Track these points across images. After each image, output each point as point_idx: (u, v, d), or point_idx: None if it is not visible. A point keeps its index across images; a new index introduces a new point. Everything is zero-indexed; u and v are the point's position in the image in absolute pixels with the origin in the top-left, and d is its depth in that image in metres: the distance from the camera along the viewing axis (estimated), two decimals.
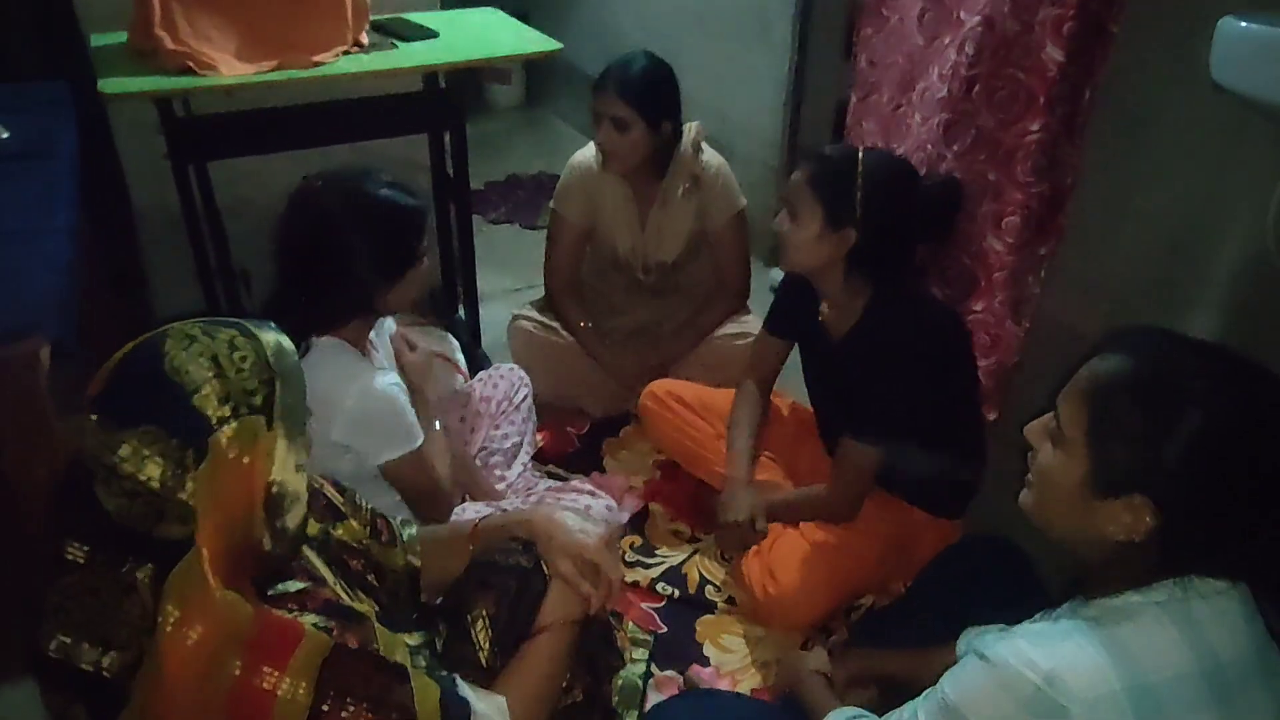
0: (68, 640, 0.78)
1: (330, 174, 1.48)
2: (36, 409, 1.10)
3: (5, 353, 1.12)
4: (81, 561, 0.78)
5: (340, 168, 1.51)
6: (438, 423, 1.69)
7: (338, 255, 1.44)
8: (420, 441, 1.53)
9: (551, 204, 2.25)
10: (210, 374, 0.81)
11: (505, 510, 1.74)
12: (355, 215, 1.43)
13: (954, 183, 1.65)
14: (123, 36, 1.94)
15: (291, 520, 0.86)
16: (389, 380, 1.51)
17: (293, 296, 1.46)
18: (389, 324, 1.76)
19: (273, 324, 0.91)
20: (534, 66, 4.28)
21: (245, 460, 0.82)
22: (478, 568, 1.19)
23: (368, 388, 1.46)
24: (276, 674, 0.83)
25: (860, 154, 1.59)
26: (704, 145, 2.15)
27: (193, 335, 0.83)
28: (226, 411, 0.81)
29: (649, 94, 2.01)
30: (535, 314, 2.30)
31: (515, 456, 1.97)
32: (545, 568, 1.17)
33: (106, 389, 0.82)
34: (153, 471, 0.78)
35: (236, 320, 0.89)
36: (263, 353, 0.85)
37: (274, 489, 0.84)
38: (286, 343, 0.90)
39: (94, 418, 0.80)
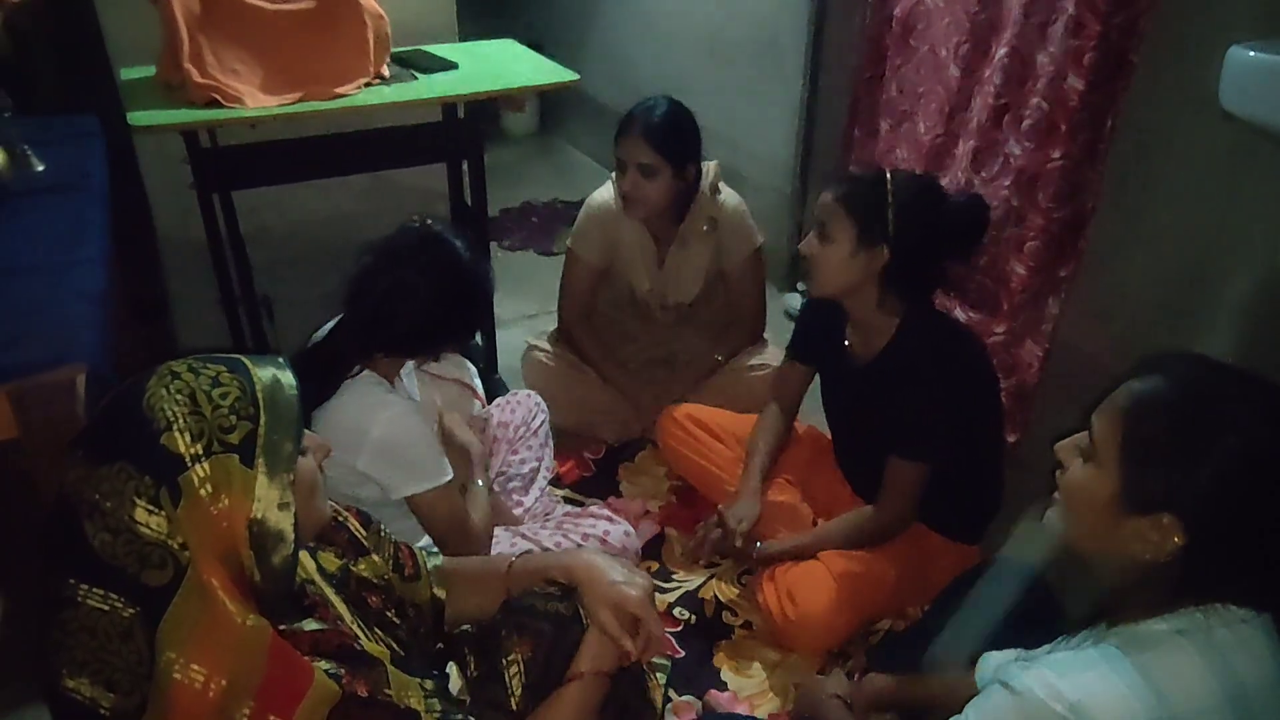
0: (74, 680, 0.78)
1: (436, 233, 1.49)
2: (72, 435, 1.12)
3: (42, 380, 1.13)
4: (78, 599, 0.78)
5: (443, 225, 1.52)
6: (480, 480, 1.72)
7: (418, 314, 1.45)
8: (448, 478, 1.52)
9: (568, 242, 2.27)
10: (184, 411, 0.80)
11: (525, 536, 1.76)
12: (450, 285, 1.45)
13: (979, 199, 1.67)
14: (150, 70, 1.99)
15: (278, 558, 0.85)
16: (418, 415, 1.53)
17: (354, 329, 1.48)
18: None
19: (281, 359, 0.90)
20: (548, 95, 4.32)
21: (223, 499, 0.81)
22: (515, 611, 1.17)
23: (395, 418, 1.47)
24: None
25: (889, 173, 1.60)
26: (721, 185, 2.16)
27: (178, 372, 0.83)
28: (199, 449, 0.80)
29: (676, 139, 2.01)
30: (548, 345, 2.32)
31: (533, 481, 1.98)
32: (583, 615, 1.15)
33: (91, 424, 0.82)
34: (131, 509, 0.77)
35: (236, 355, 0.88)
36: (249, 389, 0.84)
37: (255, 528, 0.83)
38: (286, 378, 0.88)
39: (79, 453, 0.80)
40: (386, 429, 1.45)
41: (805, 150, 2.83)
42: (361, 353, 1.49)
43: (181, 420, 0.80)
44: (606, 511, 1.89)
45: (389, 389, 1.52)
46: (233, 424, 0.82)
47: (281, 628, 0.88)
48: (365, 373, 1.50)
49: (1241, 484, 0.87)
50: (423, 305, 1.44)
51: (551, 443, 2.10)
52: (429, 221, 1.52)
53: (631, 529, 1.85)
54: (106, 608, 0.78)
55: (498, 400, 2.11)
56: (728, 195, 2.17)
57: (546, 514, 1.93)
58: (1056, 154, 1.66)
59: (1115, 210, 1.68)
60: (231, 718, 0.80)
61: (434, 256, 1.46)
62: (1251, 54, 1.31)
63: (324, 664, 0.88)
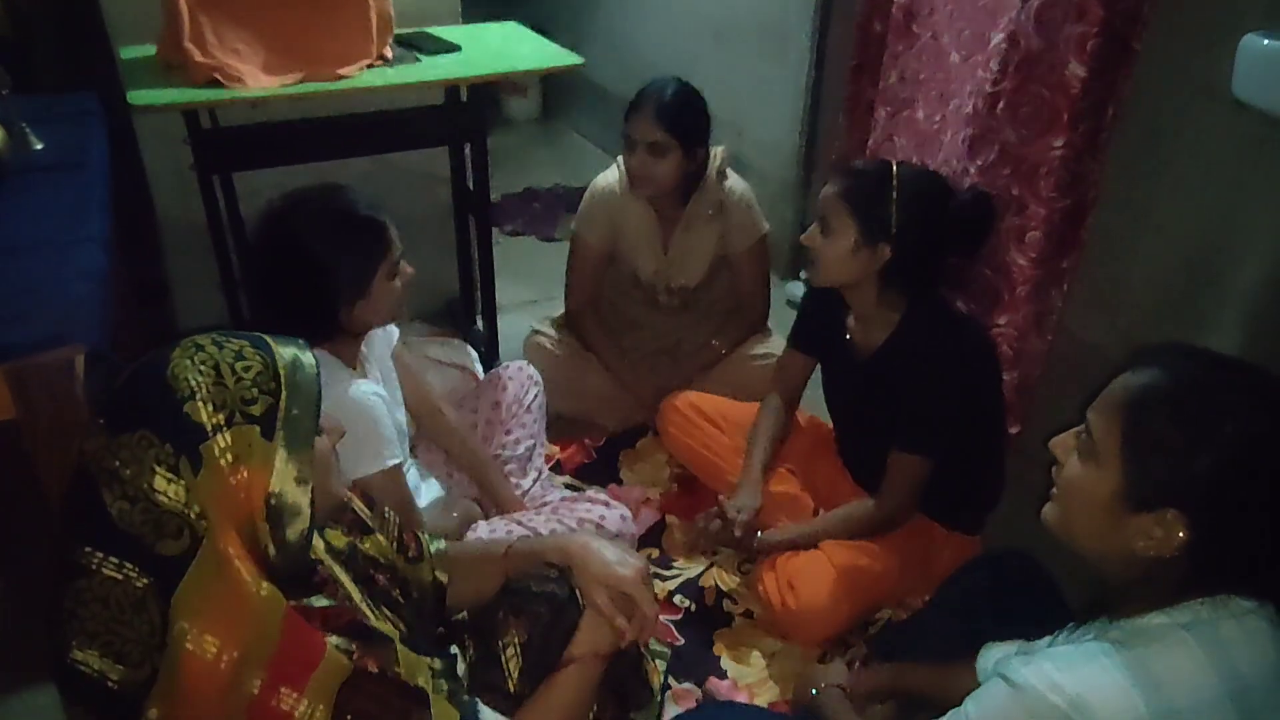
0: (83, 652, 0.78)
1: (294, 193, 1.46)
2: (71, 415, 1.12)
3: (41, 360, 1.13)
4: (93, 567, 0.78)
5: (306, 186, 1.48)
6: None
7: (300, 273, 1.41)
8: (395, 462, 1.49)
9: (573, 226, 2.26)
10: (208, 381, 0.81)
11: (520, 523, 1.75)
12: (315, 233, 1.40)
13: (985, 195, 1.66)
14: (151, 49, 1.97)
15: (293, 533, 0.85)
16: (368, 389, 1.47)
17: (265, 314, 1.46)
18: (392, 337, 1.73)
19: (302, 340, 0.91)
20: (551, 80, 4.31)
21: (242, 471, 0.81)
22: (511, 594, 1.18)
23: (342, 396, 1.41)
24: (295, 695, 0.82)
25: (894, 167, 1.58)
26: (728, 171, 2.16)
27: (202, 344, 0.84)
28: (220, 419, 0.81)
29: (686, 119, 2.00)
30: (552, 330, 2.31)
31: (529, 461, 1.96)
32: (579, 597, 1.16)
33: (113, 393, 0.83)
34: (149, 477, 0.78)
35: (259, 334, 0.89)
36: (272, 364, 0.85)
37: (272, 501, 0.83)
38: (307, 358, 0.89)
39: (100, 421, 0.81)
40: (332, 407, 1.42)
41: (809, 138, 2.82)
42: (294, 331, 1.46)
43: (205, 390, 0.81)
44: (603, 496, 1.88)
45: (340, 366, 1.48)
46: (254, 396, 0.83)
47: (293, 603, 0.88)
48: (320, 352, 1.45)
49: (1244, 473, 0.87)
50: (305, 255, 1.39)
51: (544, 417, 2.06)
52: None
53: (628, 513, 1.84)
54: (120, 577, 0.78)
55: (492, 371, 2.08)
56: (734, 181, 2.16)
57: (544, 498, 1.92)
58: (1058, 143, 1.64)
59: (1121, 200, 1.67)
60: (243, 689, 0.81)
61: (299, 212, 1.41)
62: (1266, 42, 1.29)
63: (335, 639, 0.89)
